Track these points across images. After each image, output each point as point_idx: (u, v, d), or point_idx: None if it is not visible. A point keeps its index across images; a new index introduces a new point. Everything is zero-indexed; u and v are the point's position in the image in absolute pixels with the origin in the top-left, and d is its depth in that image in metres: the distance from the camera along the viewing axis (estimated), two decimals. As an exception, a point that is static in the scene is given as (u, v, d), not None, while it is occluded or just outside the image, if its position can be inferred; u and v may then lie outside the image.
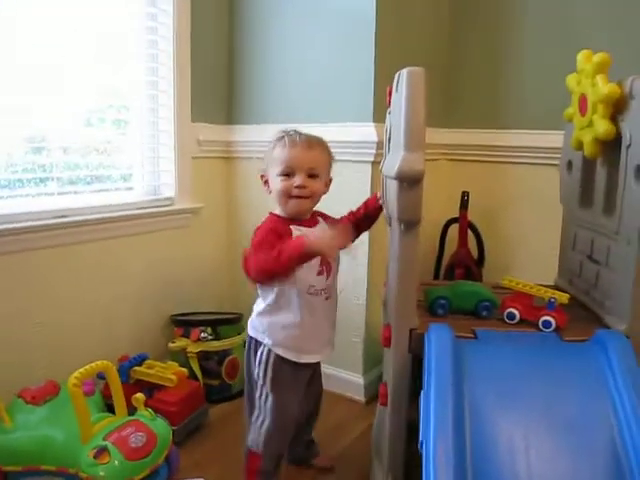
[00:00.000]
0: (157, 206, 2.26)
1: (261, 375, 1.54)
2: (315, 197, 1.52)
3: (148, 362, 2.01)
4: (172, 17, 2.20)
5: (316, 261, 1.47)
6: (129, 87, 2.21)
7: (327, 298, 1.53)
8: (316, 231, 1.47)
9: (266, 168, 1.53)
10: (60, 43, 1.92)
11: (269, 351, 1.52)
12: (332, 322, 1.60)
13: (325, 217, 1.62)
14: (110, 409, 1.70)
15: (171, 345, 2.21)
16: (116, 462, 1.45)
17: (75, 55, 1.97)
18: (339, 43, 2.12)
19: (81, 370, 1.53)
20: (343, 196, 2.11)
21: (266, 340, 1.52)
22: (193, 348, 2.17)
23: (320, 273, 1.50)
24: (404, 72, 1.18)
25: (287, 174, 1.47)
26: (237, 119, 2.49)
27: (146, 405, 1.66)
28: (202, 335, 2.19)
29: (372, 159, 2.05)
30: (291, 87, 2.29)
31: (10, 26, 1.79)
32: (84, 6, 1.97)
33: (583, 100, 1.38)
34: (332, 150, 2.08)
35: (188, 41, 2.27)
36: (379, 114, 2.01)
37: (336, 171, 2.11)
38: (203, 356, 2.19)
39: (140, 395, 1.64)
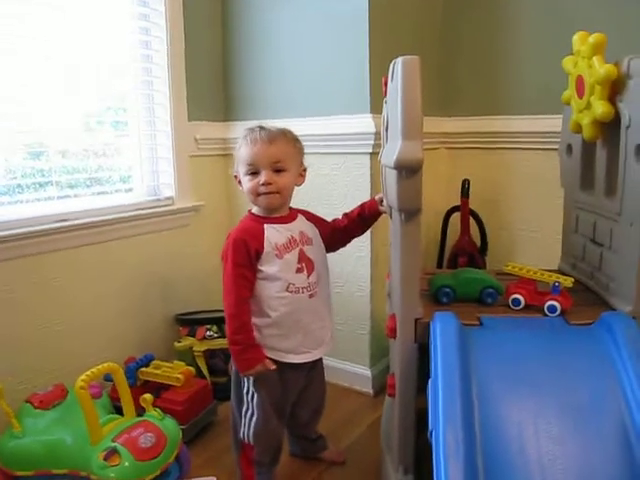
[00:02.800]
0: (157, 206, 2.26)
1: None
2: (285, 191, 1.51)
3: (155, 362, 2.00)
4: (164, 16, 2.19)
5: (294, 258, 1.49)
6: (125, 88, 2.20)
7: (311, 296, 1.52)
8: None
9: (237, 168, 1.55)
10: (56, 48, 1.92)
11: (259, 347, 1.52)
12: (322, 321, 1.58)
13: (308, 215, 1.62)
14: (118, 411, 1.70)
15: (177, 345, 2.21)
16: (126, 463, 1.45)
17: (70, 59, 1.97)
18: (333, 36, 2.11)
19: (87, 373, 1.53)
20: (342, 188, 2.13)
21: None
22: (199, 347, 2.18)
23: (299, 270, 1.50)
24: (399, 61, 1.17)
25: (253, 172, 1.48)
26: (234, 116, 2.48)
27: (154, 405, 1.66)
28: (207, 333, 2.20)
29: (370, 150, 2.04)
30: (287, 81, 2.28)
31: (7, 31, 1.79)
32: (77, 9, 1.96)
33: (580, 82, 1.37)
34: (331, 143, 2.10)
35: (182, 40, 2.26)
36: (376, 105, 2.00)
37: (335, 163, 2.14)
38: (209, 354, 2.20)
39: (148, 395, 1.64)
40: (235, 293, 1.46)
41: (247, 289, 1.47)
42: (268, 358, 1.49)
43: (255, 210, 1.56)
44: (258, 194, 1.48)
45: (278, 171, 1.48)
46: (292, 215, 1.57)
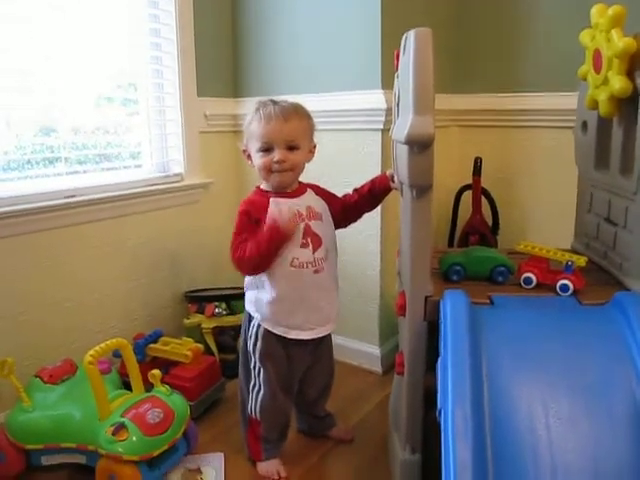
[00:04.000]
0: (166, 182, 2.25)
1: (251, 348, 1.56)
2: (297, 169, 1.51)
3: (163, 339, 2.01)
4: (173, -10, 2.16)
5: (298, 232, 1.48)
6: (134, 64, 2.18)
7: (316, 271, 1.51)
8: (282, 210, 1.45)
9: (246, 143, 1.52)
10: (65, 24, 1.89)
11: (258, 325, 1.54)
12: (328, 298, 1.57)
13: (316, 189, 1.61)
14: (127, 387, 1.71)
15: (186, 321, 2.22)
16: (134, 438, 1.46)
17: (80, 35, 1.94)
18: (344, 10, 2.07)
19: (96, 348, 1.53)
20: (354, 165, 2.11)
21: (255, 314, 1.53)
22: (208, 324, 2.18)
23: (304, 245, 1.49)
24: (411, 33, 1.14)
25: (266, 149, 1.46)
26: (244, 92, 2.45)
27: (162, 382, 1.67)
28: (216, 310, 2.19)
29: (382, 127, 2.01)
30: (297, 56, 2.25)
31: (19, 10, 1.77)
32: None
33: (597, 56, 1.33)
34: (342, 119, 2.08)
35: (191, 14, 2.23)
36: (387, 80, 1.97)
37: (346, 140, 2.12)
38: (218, 331, 2.20)
39: (156, 371, 1.64)
40: (239, 249, 1.45)
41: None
42: (274, 334, 1.51)
43: (264, 186, 1.55)
44: (271, 171, 1.47)
45: (291, 148, 1.46)
46: (300, 189, 1.56)
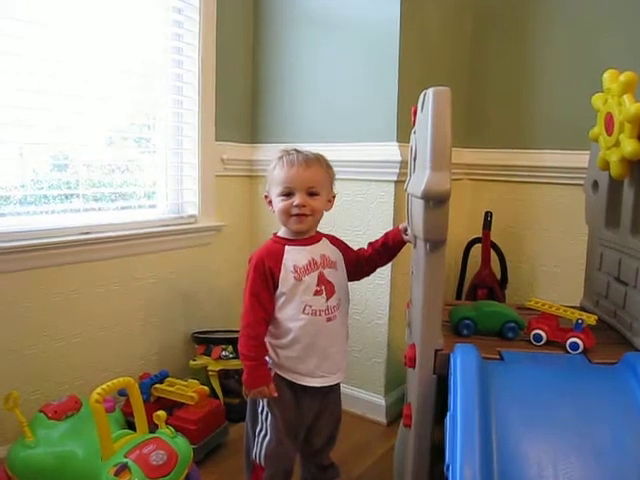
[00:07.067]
0: (180, 224, 2.28)
1: None
2: (316, 215, 1.52)
3: (169, 380, 2.00)
4: (198, 37, 2.23)
5: (313, 280, 1.48)
6: (154, 105, 2.24)
7: (329, 319, 1.51)
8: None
9: (269, 188, 1.55)
10: (85, 62, 1.95)
11: (268, 370, 1.52)
12: (340, 346, 1.57)
13: (332, 239, 1.62)
14: (130, 426, 1.70)
15: (192, 363, 2.21)
16: (137, 480, 1.45)
17: (100, 74, 2.00)
18: (363, 63, 2.14)
19: (103, 386, 1.53)
20: (367, 215, 2.13)
21: (267, 359, 1.52)
22: (214, 366, 2.18)
23: (318, 293, 1.49)
24: (430, 91, 1.17)
25: (287, 194, 1.48)
26: (260, 138, 2.50)
27: (167, 423, 1.65)
28: (223, 353, 2.19)
29: (396, 178, 2.04)
30: (314, 106, 2.30)
31: (36, 46, 1.82)
32: (110, 25, 2.00)
33: (609, 119, 1.36)
34: (357, 169, 2.11)
35: (213, 61, 2.30)
36: (403, 134, 2.01)
37: (360, 190, 2.14)
38: (224, 374, 2.20)
39: (162, 412, 1.63)
40: (252, 313, 1.47)
41: (263, 310, 1.48)
42: (285, 379, 1.50)
43: (281, 232, 1.56)
44: (290, 215, 1.48)
45: (311, 194, 1.48)
46: (316, 237, 1.57)
